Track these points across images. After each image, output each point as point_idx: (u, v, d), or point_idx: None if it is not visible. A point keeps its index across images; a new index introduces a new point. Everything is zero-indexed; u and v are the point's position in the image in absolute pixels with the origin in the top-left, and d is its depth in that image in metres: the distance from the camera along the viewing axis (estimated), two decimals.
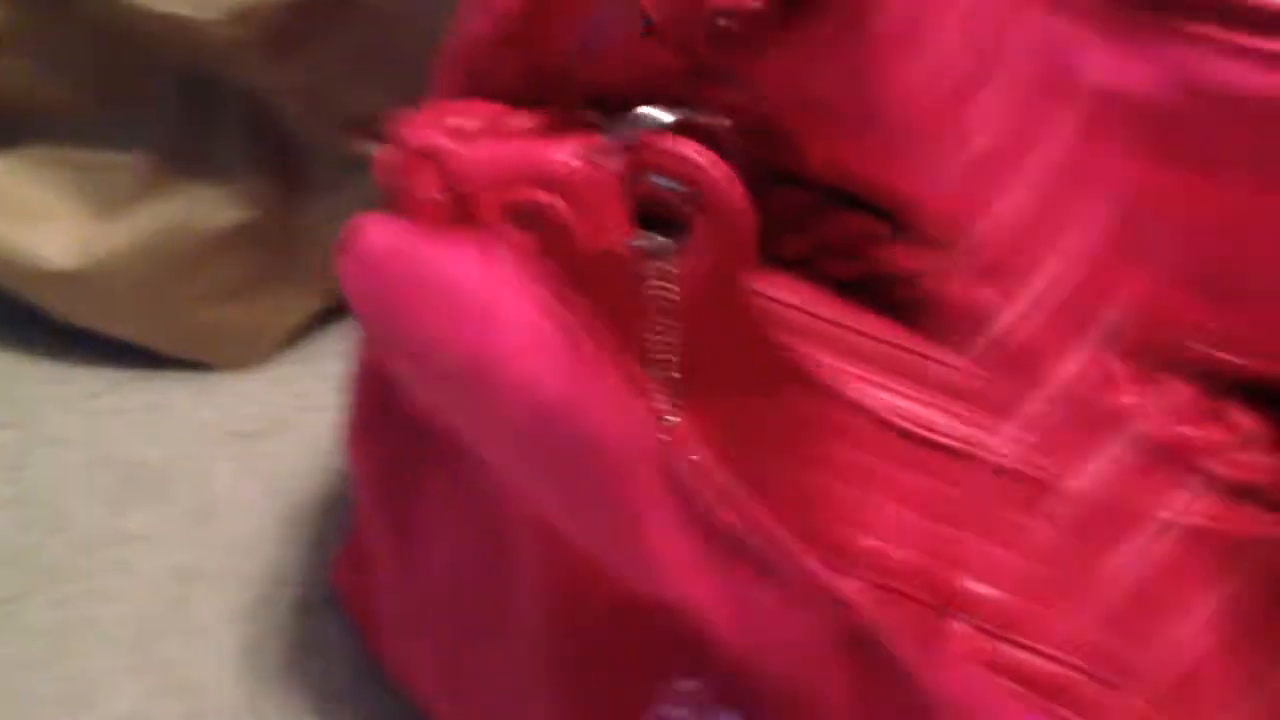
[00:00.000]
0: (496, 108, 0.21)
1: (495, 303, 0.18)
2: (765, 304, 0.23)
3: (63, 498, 0.35)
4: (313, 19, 0.32)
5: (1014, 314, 0.19)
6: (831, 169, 0.23)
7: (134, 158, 0.34)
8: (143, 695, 0.32)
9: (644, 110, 0.21)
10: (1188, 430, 0.23)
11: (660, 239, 0.21)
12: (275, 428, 0.36)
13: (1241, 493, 0.23)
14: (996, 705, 0.17)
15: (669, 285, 0.20)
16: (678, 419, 0.17)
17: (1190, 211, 0.19)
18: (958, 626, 0.22)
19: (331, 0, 0.32)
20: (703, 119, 0.20)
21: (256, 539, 0.34)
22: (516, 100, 0.22)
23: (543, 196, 0.18)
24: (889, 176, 0.22)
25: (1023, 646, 0.21)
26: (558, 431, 0.17)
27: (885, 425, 0.23)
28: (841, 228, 0.24)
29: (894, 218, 0.23)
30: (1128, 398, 0.23)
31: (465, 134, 0.19)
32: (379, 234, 0.20)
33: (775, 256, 0.24)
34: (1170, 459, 0.23)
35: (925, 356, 0.23)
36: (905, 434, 0.23)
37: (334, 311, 0.38)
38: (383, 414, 0.23)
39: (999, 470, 0.23)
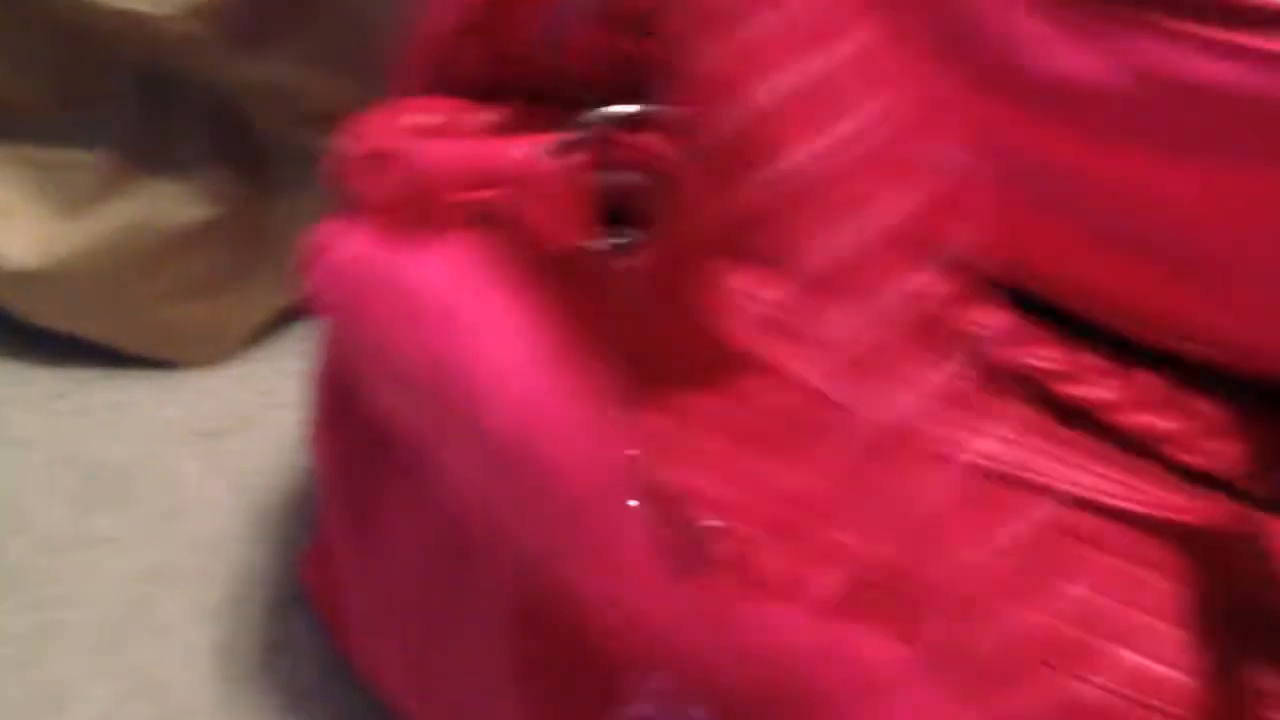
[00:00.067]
0: (458, 104, 0.20)
1: (462, 314, 0.18)
2: (732, 296, 0.23)
3: (26, 499, 0.34)
4: (272, 14, 0.32)
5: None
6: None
7: (95, 156, 0.34)
8: (112, 698, 0.31)
9: (605, 105, 0.21)
10: (1151, 419, 0.23)
11: (624, 234, 0.20)
12: (241, 425, 0.36)
13: (1203, 481, 0.23)
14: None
15: (633, 280, 0.20)
16: (639, 450, 0.16)
17: (1143, 194, 0.19)
18: (926, 622, 0.22)
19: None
20: (663, 110, 0.20)
21: (223, 538, 0.34)
22: (480, 94, 0.21)
23: (502, 195, 0.18)
24: None
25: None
26: (519, 444, 0.17)
27: (849, 415, 0.23)
28: None
29: None
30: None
31: (424, 132, 0.19)
32: (348, 243, 0.19)
33: (748, 246, 0.24)
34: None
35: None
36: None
37: (299, 308, 0.37)
38: (344, 413, 0.23)
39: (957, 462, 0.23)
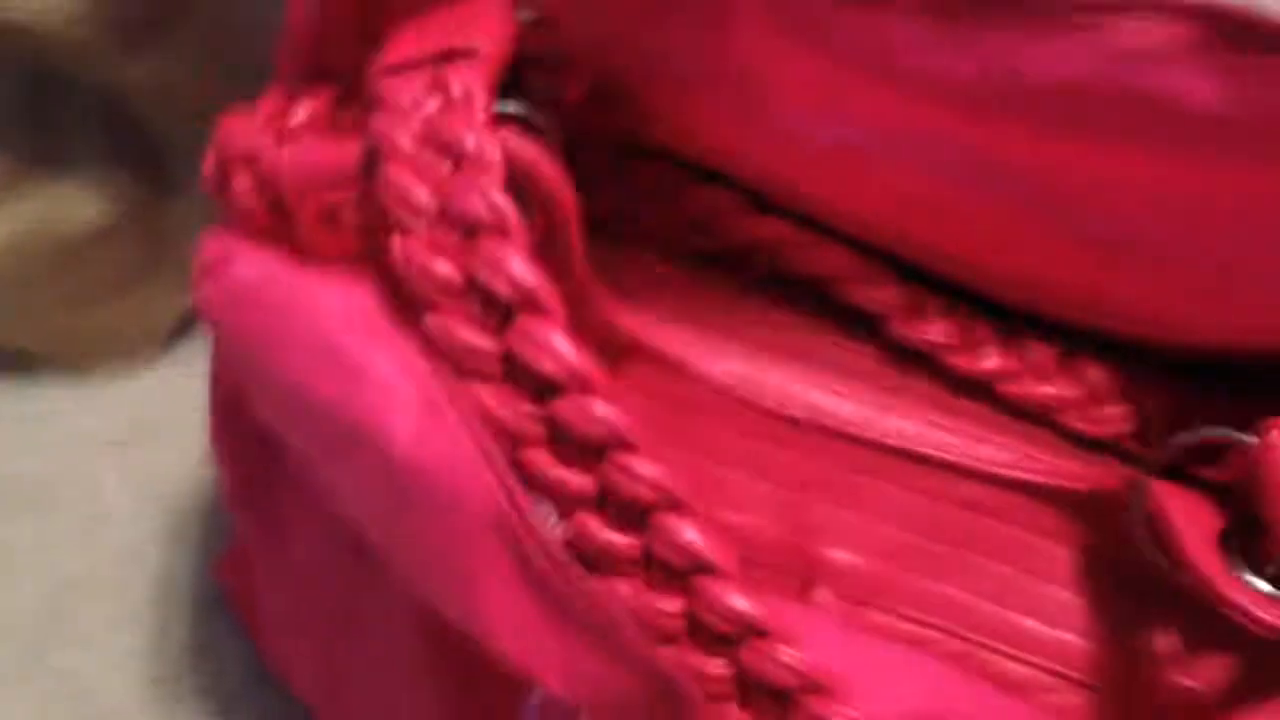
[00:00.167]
0: (330, 98, 0.20)
1: (355, 350, 0.17)
2: (609, 286, 0.23)
3: None
4: (157, 10, 0.31)
5: None
6: (688, 141, 0.23)
7: None
8: (35, 707, 0.31)
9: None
10: (1045, 388, 0.23)
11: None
12: (154, 431, 0.35)
13: (1096, 448, 0.23)
14: None
15: None
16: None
17: (1032, 172, 0.20)
18: (822, 595, 0.22)
19: None
20: (524, 107, 0.20)
21: (143, 544, 0.34)
22: (355, 87, 0.21)
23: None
24: (738, 144, 0.22)
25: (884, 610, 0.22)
26: (404, 486, 0.17)
27: (732, 396, 0.23)
28: (699, 201, 0.24)
29: (750, 188, 0.23)
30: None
31: (291, 132, 0.19)
32: (243, 263, 0.19)
33: (637, 232, 0.24)
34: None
35: (778, 327, 0.23)
36: (749, 403, 0.23)
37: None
38: (240, 418, 0.23)
39: (850, 439, 0.23)
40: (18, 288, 0.34)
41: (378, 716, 0.24)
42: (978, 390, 0.23)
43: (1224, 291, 0.19)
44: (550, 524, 0.17)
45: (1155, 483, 0.21)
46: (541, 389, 0.16)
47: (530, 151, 0.19)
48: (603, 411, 0.16)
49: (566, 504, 0.16)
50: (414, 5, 0.20)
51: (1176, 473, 0.21)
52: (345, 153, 0.17)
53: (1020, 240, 0.21)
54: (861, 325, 0.24)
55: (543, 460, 0.16)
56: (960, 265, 0.23)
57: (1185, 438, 0.20)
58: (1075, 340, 0.23)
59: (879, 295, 0.23)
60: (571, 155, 0.21)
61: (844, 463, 0.23)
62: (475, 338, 0.16)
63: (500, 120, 0.18)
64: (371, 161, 0.17)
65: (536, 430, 0.16)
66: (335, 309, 0.17)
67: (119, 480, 0.35)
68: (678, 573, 0.16)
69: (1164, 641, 0.22)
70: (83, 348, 0.37)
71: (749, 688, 0.17)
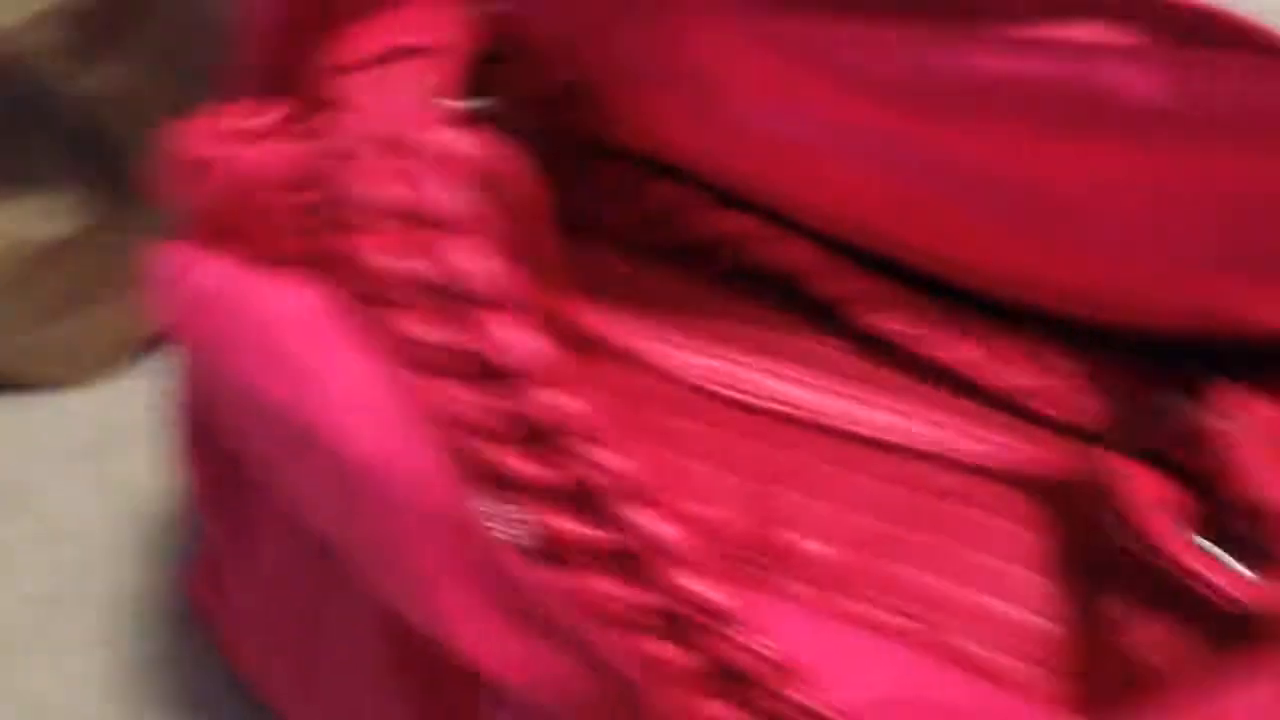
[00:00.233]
0: (286, 105, 0.20)
1: (308, 353, 0.17)
2: (575, 284, 0.23)
3: None
4: (113, 19, 0.31)
5: None
6: (650, 139, 0.23)
7: None
8: None
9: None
10: (1013, 374, 0.23)
11: None
12: (122, 443, 0.35)
13: (1066, 432, 0.23)
14: None
15: None
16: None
17: (983, 166, 0.20)
18: (791, 585, 0.22)
19: (125, 6, 0.31)
20: (495, 105, 0.20)
21: (109, 557, 0.33)
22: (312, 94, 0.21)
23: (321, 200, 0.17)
24: (697, 141, 0.22)
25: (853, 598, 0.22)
26: (357, 488, 0.17)
27: (698, 390, 0.23)
28: (662, 197, 0.24)
29: (707, 183, 0.23)
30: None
31: (247, 137, 0.19)
32: (198, 270, 0.19)
33: (601, 230, 0.25)
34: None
35: (744, 320, 0.23)
36: (717, 397, 0.23)
37: None
38: (207, 427, 0.23)
39: (818, 429, 0.23)
40: None
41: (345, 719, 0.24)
42: (945, 379, 0.24)
43: (1175, 275, 0.19)
44: (514, 519, 0.17)
45: (1116, 459, 0.21)
46: (505, 383, 0.16)
47: (500, 150, 0.19)
48: (566, 403, 0.16)
49: (531, 497, 0.16)
50: (366, 5, 0.20)
51: (1142, 453, 0.21)
52: (301, 156, 0.17)
53: (974, 231, 0.21)
54: (827, 317, 0.24)
55: (507, 454, 0.16)
56: (923, 256, 0.23)
57: (1146, 416, 0.21)
58: (1042, 328, 0.23)
59: (843, 287, 0.23)
60: (538, 154, 0.21)
61: (811, 453, 0.23)
62: (439, 333, 0.16)
63: (470, 119, 0.18)
64: (332, 163, 0.17)
65: (500, 424, 0.16)
66: (290, 313, 0.17)
67: (85, 493, 0.35)
68: (644, 563, 0.16)
69: (1129, 619, 0.22)
70: (49, 363, 0.36)
71: (719, 677, 0.17)
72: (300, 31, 0.20)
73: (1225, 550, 0.19)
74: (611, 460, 0.16)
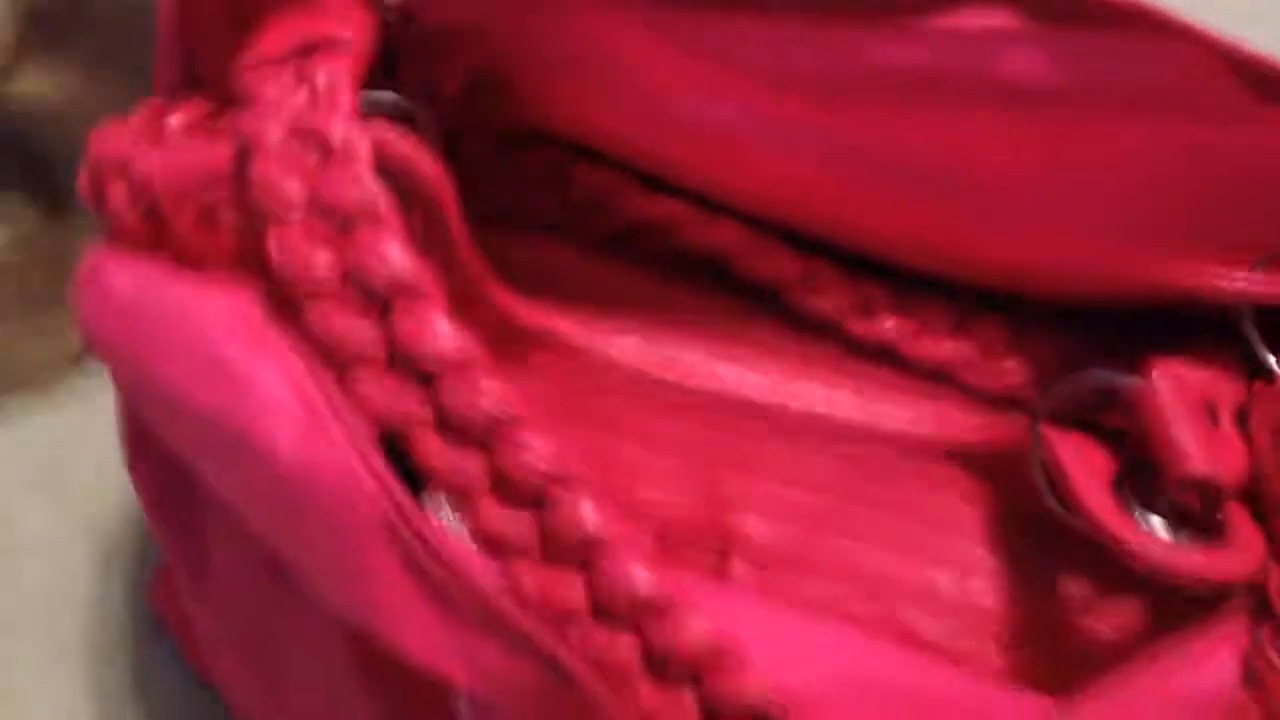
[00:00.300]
0: (209, 103, 0.20)
1: (234, 358, 0.17)
2: (504, 276, 0.23)
3: None
4: (48, 24, 0.31)
5: None
6: (569, 125, 0.23)
7: None
8: None
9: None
10: (944, 346, 0.23)
11: None
12: (76, 458, 0.35)
13: (1000, 403, 0.23)
14: None
15: None
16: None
17: (905, 145, 0.20)
18: (738, 567, 0.22)
19: (61, 8, 0.31)
20: (399, 99, 0.20)
21: (72, 575, 0.33)
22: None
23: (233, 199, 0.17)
24: (616, 127, 0.22)
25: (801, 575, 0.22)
26: (289, 493, 0.17)
27: (635, 375, 0.23)
28: (589, 183, 0.24)
29: (638, 169, 0.23)
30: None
31: (164, 137, 0.18)
32: (119, 275, 0.19)
33: (528, 219, 0.25)
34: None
35: (679, 304, 0.24)
36: (654, 381, 0.23)
37: None
38: (150, 438, 0.23)
39: (757, 409, 0.23)
40: None
41: None
42: (880, 354, 0.24)
43: (1084, 246, 0.20)
44: (446, 513, 0.17)
45: (1046, 428, 0.21)
46: (425, 373, 0.16)
47: (403, 143, 0.19)
48: (488, 389, 0.16)
49: (460, 489, 0.16)
50: (280, 1, 0.19)
51: (1074, 421, 0.21)
52: (217, 153, 0.17)
53: (891, 211, 0.21)
54: (761, 298, 0.24)
55: (432, 446, 0.16)
56: (849, 235, 0.23)
57: (1073, 383, 0.21)
58: (969, 299, 0.23)
59: (774, 268, 0.24)
60: (456, 147, 0.21)
61: (752, 433, 0.23)
62: (355, 326, 0.16)
63: (373, 112, 0.18)
64: (241, 158, 0.17)
65: (424, 416, 0.16)
66: (213, 317, 0.17)
67: (41, 511, 0.35)
68: (576, 550, 0.16)
69: (1075, 590, 0.22)
70: None
71: (658, 664, 0.17)
72: (211, 28, 0.20)
73: (1155, 512, 0.20)
74: (537, 446, 0.16)
